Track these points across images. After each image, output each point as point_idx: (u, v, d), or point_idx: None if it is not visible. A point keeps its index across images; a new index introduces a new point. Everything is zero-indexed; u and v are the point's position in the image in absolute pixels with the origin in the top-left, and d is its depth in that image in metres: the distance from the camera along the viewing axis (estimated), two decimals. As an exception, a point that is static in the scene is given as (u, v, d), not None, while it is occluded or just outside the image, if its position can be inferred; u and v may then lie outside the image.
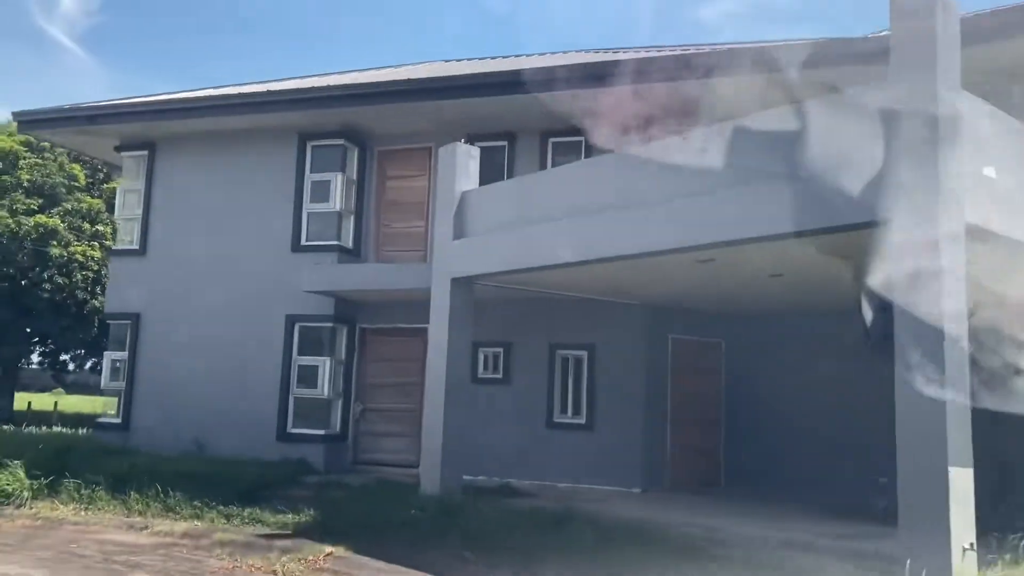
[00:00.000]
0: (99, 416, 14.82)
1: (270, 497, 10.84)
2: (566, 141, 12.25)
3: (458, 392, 10.25)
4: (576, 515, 9.00)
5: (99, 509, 10.35)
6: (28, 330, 26.61)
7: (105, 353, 14.49)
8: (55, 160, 27.71)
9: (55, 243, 25.12)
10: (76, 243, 25.78)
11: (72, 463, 11.69)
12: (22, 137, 28.04)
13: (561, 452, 11.87)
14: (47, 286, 24.70)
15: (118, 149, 14.61)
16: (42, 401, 33.94)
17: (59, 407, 30.93)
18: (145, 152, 14.45)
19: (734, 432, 12.69)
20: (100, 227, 26.96)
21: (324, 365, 12.96)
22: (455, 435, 10.12)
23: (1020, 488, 8.07)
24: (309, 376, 13.06)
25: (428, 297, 10.80)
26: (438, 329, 10.34)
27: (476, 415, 11.22)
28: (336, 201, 13.24)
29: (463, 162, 10.46)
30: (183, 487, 10.63)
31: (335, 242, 13.21)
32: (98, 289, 26.01)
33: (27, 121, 14.27)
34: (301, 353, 13.18)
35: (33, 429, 16.38)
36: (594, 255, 8.24)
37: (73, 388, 45.00)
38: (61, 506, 10.44)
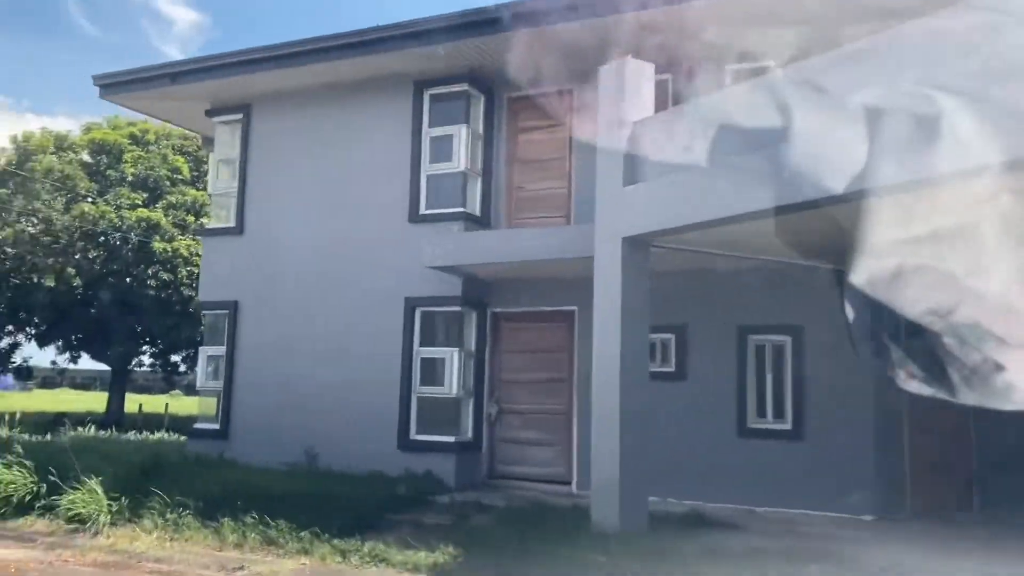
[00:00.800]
0: (195, 421, 12.95)
1: (395, 523, 8.57)
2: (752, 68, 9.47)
3: (637, 392, 7.68)
4: (822, 559, 6.32)
5: (187, 540, 8.29)
6: (138, 329, 25.68)
7: (200, 348, 12.65)
8: (159, 153, 26.75)
9: (158, 237, 23.97)
10: (180, 237, 24.60)
11: (160, 479, 9.77)
12: (127, 130, 27.24)
13: (759, 467, 9.11)
14: (152, 282, 23.57)
15: (209, 114, 12.72)
16: (155, 403, 33.42)
17: (170, 409, 30.17)
18: (239, 116, 12.50)
19: (988, 441, 9.60)
20: (204, 220, 25.75)
21: (451, 358, 10.62)
22: (636, 448, 7.55)
23: None
24: (434, 371, 10.76)
25: (578, 270, 8.33)
26: (606, 308, 7.79)
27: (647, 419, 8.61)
28: (460, 160, 10.89)
29: (634, 83, 7.87)
30: (288, 510, 8.50)
31: (460, 208, 10.87)
32: (200, 292, 24.78)
33: (108, 85, 12.54)
34: (424, 343, 10.89)
35: (132, 435, 14.79)
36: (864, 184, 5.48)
37: (190, 389, 44.90)
38: (143, 534, 8.45)
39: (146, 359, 29.66)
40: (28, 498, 9.48)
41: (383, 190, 11.34)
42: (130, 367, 28.49)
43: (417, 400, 10.83)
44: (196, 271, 24.53)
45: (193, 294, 24.34)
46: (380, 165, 11.35)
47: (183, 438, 13.85)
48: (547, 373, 10.67)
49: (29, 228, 24.72)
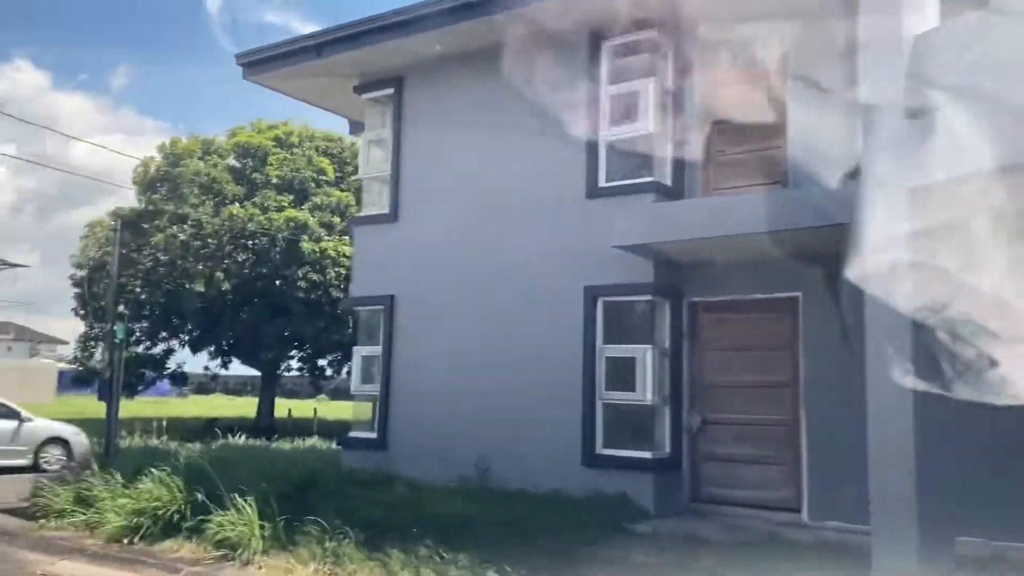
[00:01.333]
0: (349, 429, 11.76)
1: (594, 560, 6.92)
2: None
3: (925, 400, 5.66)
4: None
5: (349, 574, 6.93)
6: (286, 333, 25.38)
7: (354, 348, 11.45)
8: (303, 154, 26.46)
9: (306, 238, 23.51)
10: (327, 238, 24.07)
11: (316, 497, 8.55)
12: (270, 133, 27.14)
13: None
14: (301, 283, 23.09)
15: (358, 90, 11.53)
16: (303, 408, 33.40)
17: (319, 414, 29.90)
18: (390, 90, 11.24)
19: None
20: (353, 211, 25.17)
21: (643, 357, 8.86)
22: (933, 474, 5.55)
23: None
24: (622, 373, 9.03)
25: (809, 245, 6.46)
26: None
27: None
28: (647, 120, 9.13)
29: (916, -17, 5.88)
30: (465, 539, 7.03)
31: (648, 179, 9.13)
32: (352, 287, 24.16)
33: (251, 63, 11.57)
34: (608, 340, 9.19)
35: (284, 442, 13.88)
36: None
37: (335, 393, 45.24)
38: (299, 566, 7.15)
39: (294, 363, 29.54)
40: (175, 517, 8.46)
41: (554, 163, 9.74)
42: (279, 371, 28.36)
43: (603, 408, 9.14)
44: (344, 272, 23.97)
45: (341, 295, 23.75)
46: (550, 134, 9.74)
47: (335, 446, 12.75)
48: (762, 376, 8.73)
49: (180, 235, 24.87)
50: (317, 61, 10.93)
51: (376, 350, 10.95)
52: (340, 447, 11.52)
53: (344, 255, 23.87)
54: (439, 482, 9.31)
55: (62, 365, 45.06)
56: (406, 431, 10.46)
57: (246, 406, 40.41)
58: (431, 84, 10.82)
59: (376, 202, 11.61)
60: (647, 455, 8.75)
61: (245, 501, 7.86)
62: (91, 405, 37.33)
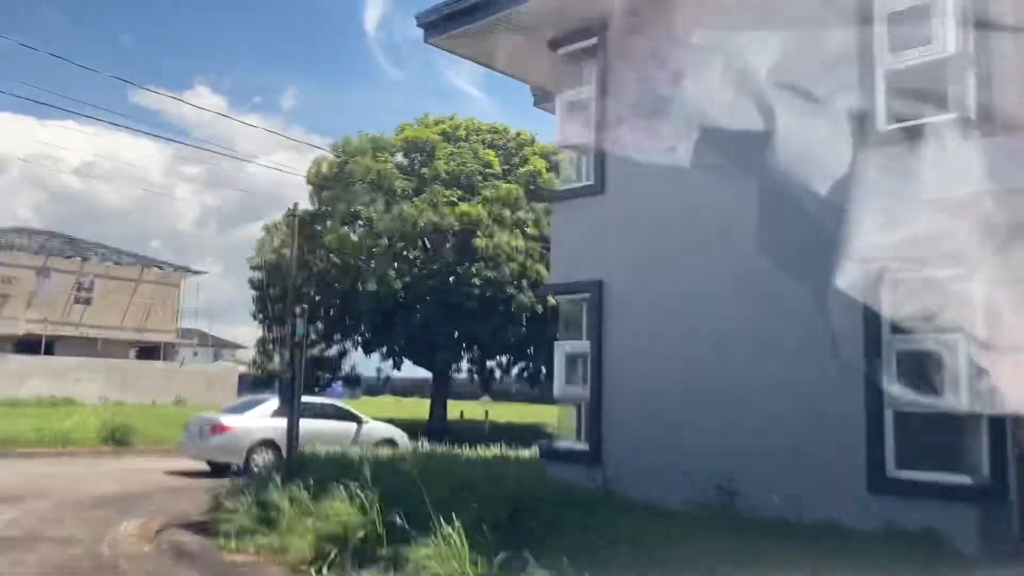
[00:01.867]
0: (550, 439, 10.18)
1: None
2: None
3: None
4: None
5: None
6: (455, 334, 24.44)
7: (556, 344, 9.83)
8: (470, 148, 25.50)
9: (480, 233, 22.40)
10: (499, 232, 22.88)
11: (529, 523, 7.01)
12: (437, 128, 26.39)
13: None
14: (476, 281, 22.00)
15: (554, 45, 9.95)
16: (471, 411, 32.55)
17: (489, 417, 28.87)
18: (592, 40, 9.59)
19: None
20: (521, 214, 23.89)
21: (953, 349, 6.69)
22: None
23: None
24: (918, 370, 6.90)
25: None
26: None
27: None
28: (945, 39, 6.97)
29: None
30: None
31: (949, 115, 6.95)
32: (524, 282, 22.92)
33: (432, 24, 10.26)
34: (899, 329, 7.07)
35: (467, 451, 12.53)
36: None
37: (499, 396, 44.46)
38: (525, 618, 5.60)
39: (463, 364, 28.65)
40: (369, 542, 7.17)
41: (808, 107, 7.71)
42: (451, 373, 27.52)
43: (894, 417, 7.03)
44: (517, 267, 22.71)
45: (515, 292, 22.49)
46: (799, 68, 7.74)
47: (533, 455, 11.20)
48: None
49: (352, 234, 24.48)
50: (505, 11, 9.44)
51: (583, 346, 9.31)
52: (543, 459, 9.93)
53: (517, 249, 22.62)
54: (671, 506, 7.54)
55: (243, 369, 46.88)
56: (624, 442, 8.74)
57: (415, 408, 40.25)
58: (647, 23, 9.05)
59: (577, 173, 9.98)
60: (965, 480, 6.57)
61: (451, 527, 6.41)
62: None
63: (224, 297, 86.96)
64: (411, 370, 30.58)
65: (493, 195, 23.56)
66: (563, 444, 9.55)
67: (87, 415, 25.64)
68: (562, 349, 9.60)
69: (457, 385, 50.83)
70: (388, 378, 32.19)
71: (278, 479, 8.71)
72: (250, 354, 61.90)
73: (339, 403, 17.80)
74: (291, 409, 10.38)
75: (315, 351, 26.36)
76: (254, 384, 27.81)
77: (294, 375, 10.54)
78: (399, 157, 26.12)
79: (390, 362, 27.95)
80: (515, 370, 28.97)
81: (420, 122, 26.80)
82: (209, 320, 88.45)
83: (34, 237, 40.26)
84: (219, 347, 72.22)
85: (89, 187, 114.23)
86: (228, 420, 15.81)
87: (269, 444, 15.09)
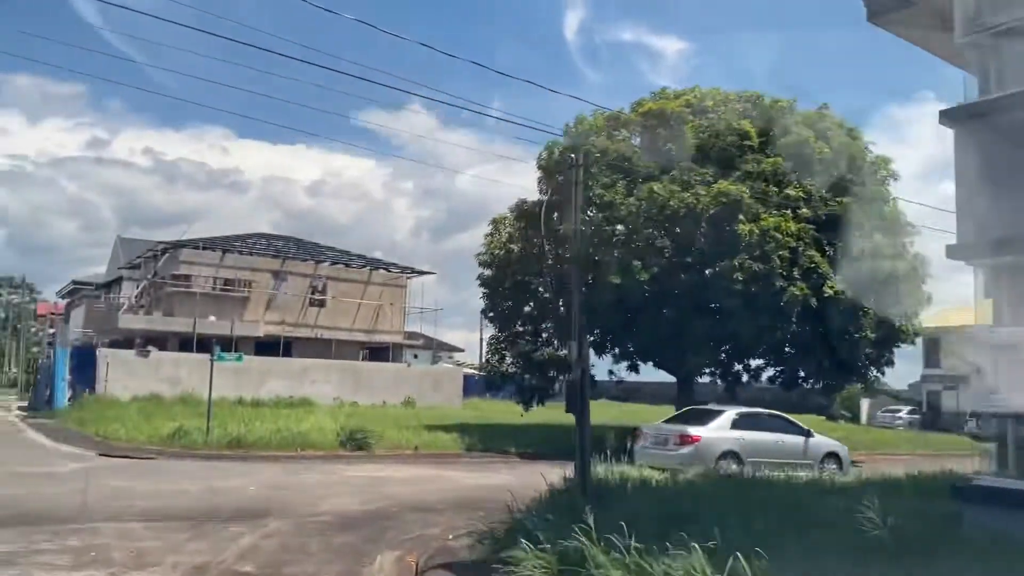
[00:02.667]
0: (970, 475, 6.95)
1: None
2: None
3: None
4: None
5: None
6: (708, 333, 21.30)
7: (974, 331, 6.64)
8: (720, 118, 22.32)
9: (742, 218, 19.21)
10: (764, 215, 19.54)
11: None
12: (681, 100, 23.44)
13: None
14: (739, 275, 18.81)
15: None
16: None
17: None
18: None
19: None
20: (790, 191, 20.38)
21: None
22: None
23: None
24: None
25: None
26: None
27: None
28: None
29: None
30: None
31: None
32: (795, 272, 19.40)
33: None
34: None
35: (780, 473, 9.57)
36: None
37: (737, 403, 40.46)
38: None
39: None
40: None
41: None
42: (699, 377, 24.39)
43: None
44: (787, 256, 19.28)
45: (785, 284, 19.04)
46: None
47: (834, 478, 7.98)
48: None
49: (582, 224, 22.03)
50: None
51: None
52: (961, 501, 6.74)
53: (788, 233, 19.17)
54: None
55: (468, 370, 46.25)
56: None
57: (643, 414, 37.34)
58: None
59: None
60: None
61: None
62: (510, 411, 36.92)
63: (440, 303, 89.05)
64: (650, 373, 27.85)
65: (756, 170, 20.25)
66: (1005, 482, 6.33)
67: (323, 417, 25.21)
68: (993, 338, 6.40)
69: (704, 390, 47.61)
70: (620, 381, 29.53)
71: (588, 514, 6.22)
72: (466, 357, 62.00)
73: (786, 416, 17.67)
74: (580, 423, 7.98)
75: (545, 352, 24.27)
76: (486, 385, 26.19)
77: (581, 387, 8.16)
78: (636, 140, 23.45)
79: (623, 363, 25.44)
80: (768, 373, 25.33)
81: (658, 96, 23.94)
82: (434, 323, 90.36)
83: (272, 241, 41.74)
84: (437, 350, 73.29)
85: (318, 204, 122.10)
86: (696, 431, 15.76)
87: (732, 455, 15.32)
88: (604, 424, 25.14)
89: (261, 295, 38.18)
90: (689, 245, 20.27)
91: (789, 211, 19.87)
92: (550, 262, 23.79)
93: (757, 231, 18.85)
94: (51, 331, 56.55)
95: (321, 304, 39.43)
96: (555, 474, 15.56)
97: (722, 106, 23.10)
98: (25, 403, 37.84)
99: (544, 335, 24.47)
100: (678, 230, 20.43)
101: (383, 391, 37.13)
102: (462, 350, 69.19)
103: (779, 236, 18.96)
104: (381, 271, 41.79)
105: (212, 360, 19.86)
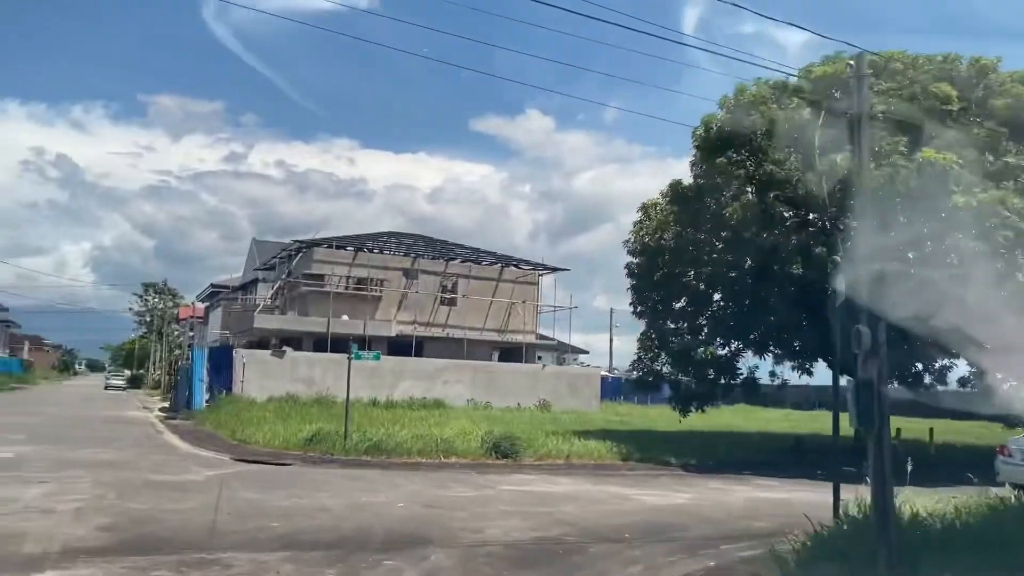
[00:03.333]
0: None
1: None
2: None
3: None
4: None
5: None
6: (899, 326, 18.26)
7: None
8: (911, 82, 19.24)
9: (955, 189, 16.21)
10: (980, 188, 16.44)
11: None
12: (844, 60, 20.47)
13: None
14: (953, 258, 15.82)
15: None
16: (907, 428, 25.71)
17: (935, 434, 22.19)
18: None
19: None
20: (1010, 159, 17.17)
21: None
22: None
23: None
24: None
25: None
26: None
27: None
28: None
29: None
30: None
31: None
32: (1019, 255, 16.21)
33: None
34: None
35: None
36: None
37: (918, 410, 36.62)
38: None
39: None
40: None
41: None
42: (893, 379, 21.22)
43: None
44: (1014, 234, 16.12)
45: (1010, 269, 15.89)
46: None
47: None
48: None
49: (750, 199, 19.44)
50: None
51: None
52: None
53: (1014, 209, 16.01)
54: None
55: (604, 371, 44.04)
56: None
57: (806, 422, 34.14)
58: None
59: None
60: None
61: None
62: (657, 416, 34.55)
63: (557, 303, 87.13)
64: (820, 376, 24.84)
65: (963, 137, 17.13)
66: None
67: (463, 421, 23.66)
68: None
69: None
70: (784, 384, 26.52)
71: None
72: (589, 359, 59.67)
73: None
74: (879, 445, 5.71)
75: (705, 351, 21.73)
76: (636, 386, 23.88)
77: (878, 393, 5.92)
78: (805, 112, 20.62)
79: (793, 364, 22.61)
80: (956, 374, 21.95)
81: (830, 60, 21.01)
82: (567, 322, 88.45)
83: (402, 240, 40.96)
84: (562, 352, 71.35)
85: (438, 210, 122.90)
86: None
87: None
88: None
89: (393, 294, 37.29)
90: (885, 224, 17.36)
91: (1010, 182, 16.67)
92: (705, 250, 21.36)
93: (974, 204, 15.79)
94: (191, 334, 58.20)
95: (452, 303, 38.19)
96: (740, 494, 13.19)
97: (911, 69, 19.98)
98: (167, 404, 38.41)
99: (703, 332, 21.94)
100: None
101: (517, 393, 35.48)
102: (586, 352, 67.10)
103: (1003, 212, 15.83)
104: (511, 268, 40.16)
105: (350, 359, 18.52)
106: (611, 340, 55.28)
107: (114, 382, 68.24)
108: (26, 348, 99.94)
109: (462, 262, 39.57)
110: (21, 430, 21.00)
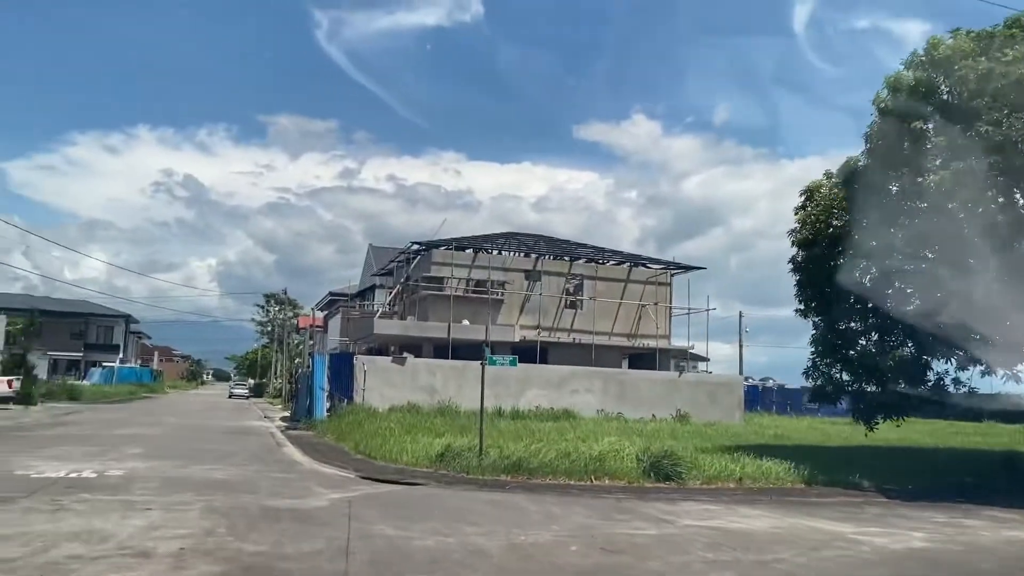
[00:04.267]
0: None
1: None
2: None
3: None
4: None
5: None
6: None
7: None
8: None
9: None
10: None
11: None
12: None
13: None
14: None
15: None
16: None
17: None
18: None
19: None
20: None
21: None
22: None
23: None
24: None
25: None
26: None
27: None
28: None
29: None
30: None
31: None
32: None
33: None
34: None
35: None
36: None
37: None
38: None
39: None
40: None
41: None
42: None
43: None
44: None
45: None
46: None
47: None
48: None
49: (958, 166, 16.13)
50: None
51: None
52: None
53: None
54: None
55: (748, 380, 40.60)
56: None
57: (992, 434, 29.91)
58: None
59: None
60: None
61: None
62: (810, 428, 31.17)
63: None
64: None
65: None
66: None
67: (607, 434, 21.18)
68: None
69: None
70: (972, 391, 22.66)
71: None
72: (711, 367, 55.75)
73: None
74: None
75: (895, 357, 18.47)
76: (813, 397, 20.70)
77: None
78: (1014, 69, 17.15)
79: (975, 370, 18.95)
80: None
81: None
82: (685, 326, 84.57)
83: (522, 240, 38.86)
84: (680, 359, 67.76)
85: (544, 219, 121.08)
86: None
87: None
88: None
89: (515, 297, 35.20)
90: None
91: None
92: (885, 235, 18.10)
93: None
94: (311, 342, 58.08)
95: (577, 305, 35.76)
96: (987, 534, 10.23)
97: None
98: (288, 413, 37.62)
99: (893, 335, 18.68)
100: None
101: (651, 403, 32.70)
102: (706, 359, 63.18)
103: None
104: (640, 268, 37.38)
105: (483, 365, 16.38)
106: (740, 347, 51.52)
107: (238, 391, 69.78)
108: (156, 358, 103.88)
109: (586, 262, 37.10)
110: (140, 443, 19.91)
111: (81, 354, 71.77)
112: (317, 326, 63.55)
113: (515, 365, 16.84)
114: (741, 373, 43.19)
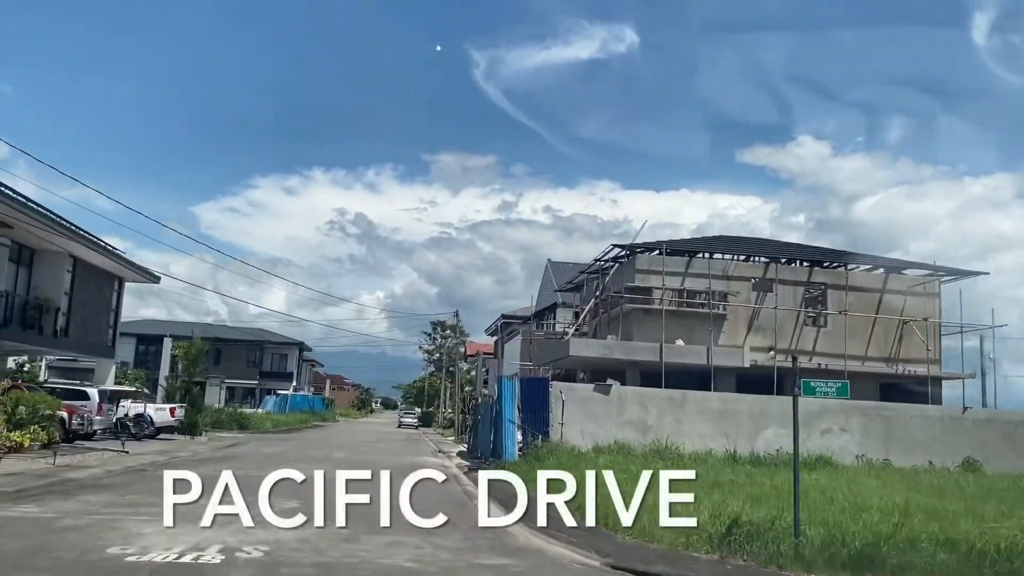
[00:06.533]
0: None
1: None
2: None
3: None
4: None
5: None
6: None
7: None
8: None
9: None
10: None
11: None
12: None
13: None
14: None
15: None
16: None
17: None
18: None
19: None
20: None
21: None
22: None
23: None
24: None
25: None
26: None
27: None
28: None
29: None
30: None
31: None
32: None
33: None
34: None
35: None
36: None
37: None
38: None
39: None
40: None
41: None
42: None
43: None
44: None
45: None
46: None
47: None
48: None
49: None
50: None
51: None
52: None
53: None
54: None
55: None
56: None
57: None
58: None
59: None
60: None
61: None
62: None
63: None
64: None
65: None
66: None
67: (911, 489, 14.36)
68: None
69: None
70: None
71: None
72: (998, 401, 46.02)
73: None
74: None
75: None
76: None
77: None
78: None
79: None
80: None
81: None
82: (991, 343, 74.16)
83: (748, 244, 32.14)
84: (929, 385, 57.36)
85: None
86: None
87: None
88: None
89: (741, 311, 28.64)
90: None
91: None
92: None
93: None
94: (483, 369, 53.67)
95: (818, 322, 28.70)
96: None
97: None
98: (463, 447, 32.77)
99: None
100: None
101: (926, 447, 25.11)
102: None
103: None
104: (898, 275, 29.78)
105: (795, 396, 10.26)
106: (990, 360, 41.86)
107: (407, 420, 68.08)
108: (328, 386, 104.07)
109: (828, 267, 29.98)
110: (298, 494, 15.17)
111: (256, 382, 71.25)
112: (488, 353, 59.32)
113: (845, 395, 10.57)
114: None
